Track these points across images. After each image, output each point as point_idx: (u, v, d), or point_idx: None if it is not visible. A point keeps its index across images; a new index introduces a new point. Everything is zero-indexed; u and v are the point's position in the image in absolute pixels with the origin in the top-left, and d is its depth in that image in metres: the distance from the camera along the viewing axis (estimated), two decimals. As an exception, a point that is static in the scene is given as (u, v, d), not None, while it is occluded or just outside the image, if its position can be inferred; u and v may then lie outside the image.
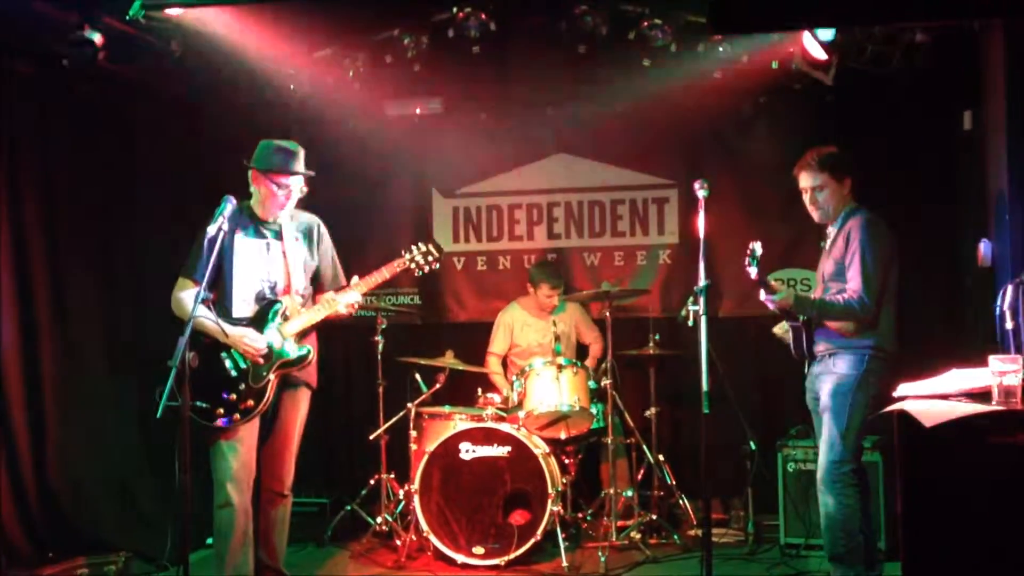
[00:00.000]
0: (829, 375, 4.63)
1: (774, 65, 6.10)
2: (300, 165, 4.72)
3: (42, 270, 5.65)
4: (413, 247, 4.99)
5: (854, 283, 4.54)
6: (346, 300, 4.76)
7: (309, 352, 4.73)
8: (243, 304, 4.67)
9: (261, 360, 4.60)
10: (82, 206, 5.91)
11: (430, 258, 4.97)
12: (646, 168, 7.12)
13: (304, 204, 4.90)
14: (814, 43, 5.56)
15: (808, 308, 4.63)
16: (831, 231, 4.80)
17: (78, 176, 5.89)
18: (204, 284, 4.26)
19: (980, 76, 5.53)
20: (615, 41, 6.03)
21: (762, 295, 4.62)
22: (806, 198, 4.77)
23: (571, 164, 7.22)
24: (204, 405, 4.49)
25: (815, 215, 4.79)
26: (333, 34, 6.12)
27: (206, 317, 4.41)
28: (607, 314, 6.07)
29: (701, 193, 4.39)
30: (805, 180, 4.73)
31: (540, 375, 5.93)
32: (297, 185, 4.70)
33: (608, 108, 6.96)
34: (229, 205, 4.36)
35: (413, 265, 4.96)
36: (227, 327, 4.49)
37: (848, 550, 4.59)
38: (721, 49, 6.04)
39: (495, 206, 7.33)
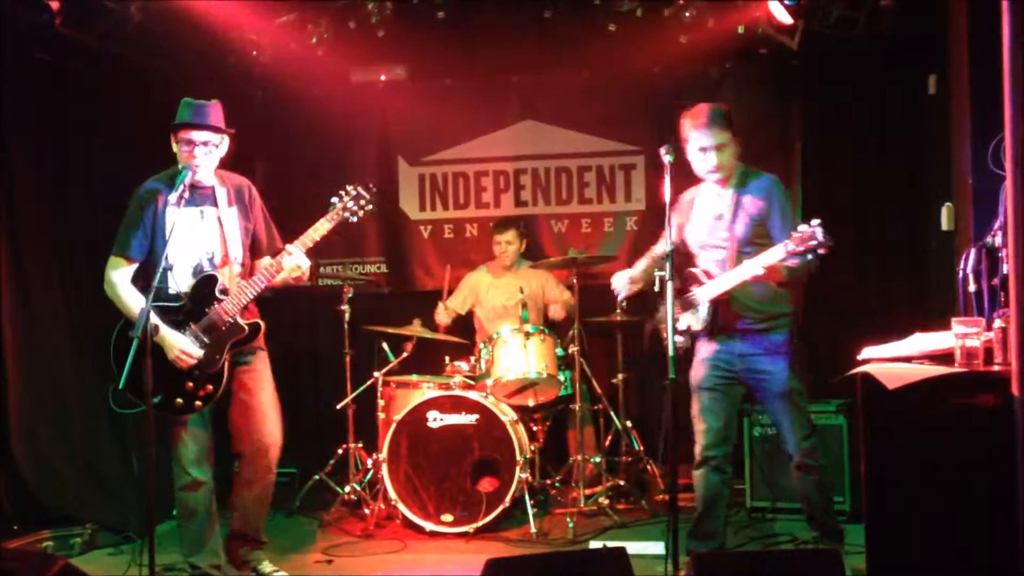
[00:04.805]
0: (775, 355, 4.46)
1: (740, 30, 6.09)
2: (207, 119, 4.47)
3: (1, 239, 5.54)
4: (341, 191, 4.63)
5: None
6: (290, 264, 4.47)
7: (256, 325, 4.56)
8: (180, 278, 4.46)
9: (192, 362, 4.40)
10: (39, 174, 5.79)
11: (362, 201, 4.62)
12: (613, 135, 7.10)
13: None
14: (780, 7, 5.55)
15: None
16: (720, 192, 4.57)
17: (34, 145, 5.76)
18: (161, 259, 4.14)
19: (945, 40, 5.54)
20: (581, 6, 6.00)
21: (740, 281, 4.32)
22: (708, 157, 4.47)
23: (538, 131, 7.18)
24: (159, 399, 4.30)
25: (713, 176, 4.53)
26: (295, -1, 6.03)
27: (144, 308, 4.02)
28: (574, 281, 6.06)
29: (667, 158, 4.29)
30: (707, 138, 4.45)
31: (507, 342, 5.93)
32: (201, 139, 4.43)
33: (574, 74, 6.95)
34: (190, 173, 4.29)
35: (347, 214, 4.61)
36: (164, 328, 4.32)
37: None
38: (687, 14, 6.02)
39: (461, 173, 7.29)
